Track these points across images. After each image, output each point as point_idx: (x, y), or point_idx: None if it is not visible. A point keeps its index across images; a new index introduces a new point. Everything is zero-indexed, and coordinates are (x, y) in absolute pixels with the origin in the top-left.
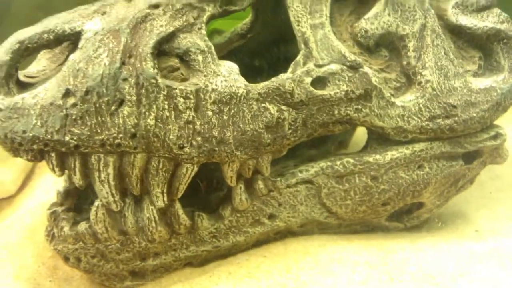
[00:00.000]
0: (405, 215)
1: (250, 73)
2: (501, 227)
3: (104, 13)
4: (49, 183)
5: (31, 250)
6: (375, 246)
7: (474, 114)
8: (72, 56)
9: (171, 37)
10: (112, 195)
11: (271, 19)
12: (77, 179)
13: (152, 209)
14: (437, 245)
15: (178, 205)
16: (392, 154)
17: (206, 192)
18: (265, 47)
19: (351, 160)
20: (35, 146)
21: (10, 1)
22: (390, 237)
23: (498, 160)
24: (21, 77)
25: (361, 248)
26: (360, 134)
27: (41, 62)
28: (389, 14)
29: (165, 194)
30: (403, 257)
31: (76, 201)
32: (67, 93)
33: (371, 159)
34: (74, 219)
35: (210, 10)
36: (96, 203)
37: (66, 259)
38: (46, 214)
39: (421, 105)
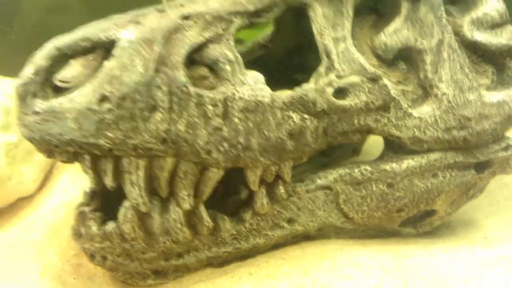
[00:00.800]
0: (418, 222)
1: (269, 81)
2: (509, 234)
3: (138, 22)
4: (67, 183)
5: (55, 248)
6: (389, 251)
7: (487, 126)
8: (107, 64)
9: (201, 47)
10: (142, 196)
11: (290, 30)
12: (109, 181)
13: (178, 211)
14: (448, 251)
15: (202, 208)
16: (408, 162)
17: (222, 196)
18: (284, 56)
19: (369, 168)
20: (70, 149)
21: (19, 3)
22: (403, 243)
23: (507, 170)
24: (56, 82)
25: (375, 253)
26: (371, 141)
27: (74, 67)
28: (408, 29)
29: (191, 197)
30: (416, 262)
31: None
32: (102, 99)
33: (387, 167)
34: (102, 219)
35: (237, 22)
36: (126, 204)
37: (92, 257)
38: (74, 214)
39: (437, 117)
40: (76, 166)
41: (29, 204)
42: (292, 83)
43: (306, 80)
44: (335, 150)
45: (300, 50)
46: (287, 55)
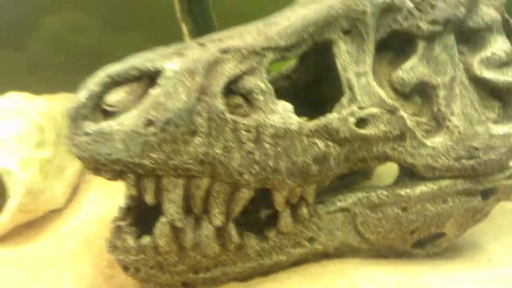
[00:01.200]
0: (428, 243)
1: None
2: (511, 257)
3: (181, 54)
4: (94, 198)
5: (88, 260)
6: (402, 270)
7: (494, 157)
8: (153, 91)
9: (237, 78)
10: (178, 213)
11: (312, 64)
12: (150, 198)
13: (210, 228)
14: (456, 271)
15: (232, 225)
16: (421, 188)
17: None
18: (304, 87)
19: (385, 192)
20: (116, 167)
21: (37, 22)
22: (415, 263)
23: (511, 197)
24: (104, 106)
25: (389, 271)
26: (382, 167)
27: (120, 93)
28: (423, 66)
29: (223, 215)
30: (426, 281)
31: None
32: (148, 123)
33: (402, 192)
34: (137, 233)
35: (270, 56)
36: (163, 219)
37: (126, 268)
38: (110, 228)
39: (448, 147)
40: (101, 182)
41: (59, 217)
42: (312, 113)
43: (329, 110)
44: (349, 175)
45: (320, 82)
46: (308, 87)
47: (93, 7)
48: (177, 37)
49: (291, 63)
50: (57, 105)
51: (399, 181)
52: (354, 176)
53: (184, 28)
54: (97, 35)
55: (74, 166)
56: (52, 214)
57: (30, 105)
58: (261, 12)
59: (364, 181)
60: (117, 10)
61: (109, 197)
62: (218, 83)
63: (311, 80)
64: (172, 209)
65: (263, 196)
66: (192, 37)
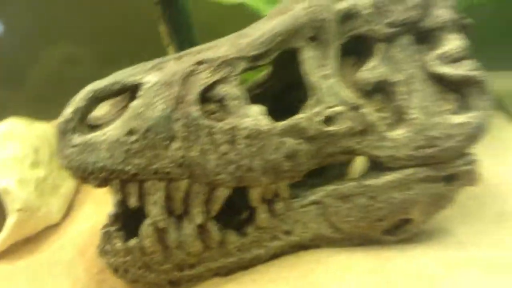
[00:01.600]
0: (397, 230)
1: (270, 113)
2: (480, 239)
3: (159, 68)
4: (88, 212)
5: (82, 266)
6: (373, 256)
7: (452, 144)
8: (134, 103)
9: (212, 86)
10: (161, 214)
11: (286, 70)
12: (133, 201)
13: (191, 226)
14: (426, 254)
15: (212, 223)
16: (386, 178)
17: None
18: (281, 91)
19: (353, 184)
20: (103, 174)
21: (37, 55)
22: (386, 249)
23: (473, 182)
24: (90, 119)
25: (362, 258)
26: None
27: (104, 107)
28: (383, 66)
29: (202, 214)
30: (397, 263)
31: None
32: (130, 132)
33: (369, 182)
34: (124, 237)
35: (242, 65)
36: (148, 221)
37: (115, 271)
38: (100, 234)
39: (409, 138)
40: (95, 198)
41: (55, 231)
42: (288, 116)
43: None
44: (325, 173)
45: (293, 87)
46: (282, 92)
47: (87, 39)
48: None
49: (266, 71)
50: (52, 128)
51: (366, 173)
52: (329, 175)
53: (171, 50)
54: (91, 66)
55: (68, 184)
56: (49, 229)
57: (27, 128)
58: None
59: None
60: (110, 41)
61: (102, 210)
62: (194, 92)
63: (284, 86)
64: (155, 210)
65: (243, 199)
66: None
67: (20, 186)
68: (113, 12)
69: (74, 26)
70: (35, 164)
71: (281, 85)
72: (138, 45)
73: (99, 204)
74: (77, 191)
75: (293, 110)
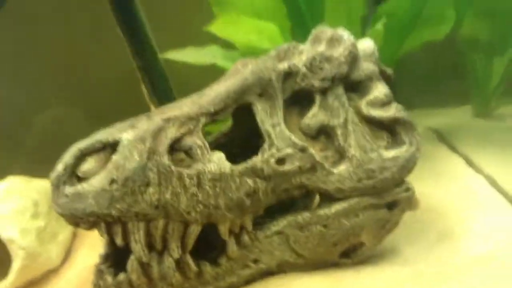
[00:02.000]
0: (351, 253)
1: (232, 158)
2: (423, 257)
3: (133, 126)
4: (86, 255)
5: None
6: (331, 277)
7: (388, 175)
8: (114, 157)
9: (179, 139)
10: (143, 250)
11: (246, 120)
12: (119, 241)
13: (170, 260)
14: (375, 271)
15: (188, 257)
16: (336, 208)
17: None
18: (241, 141)
19: (309, 214)
20: (91, 219)
21: (31, 118)
22: (342, 270)
23: (413, 207)
24: (78, 173)
25: (322, 279)
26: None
27: (90, 162)
28: (322, 113)
29: (179, 248)
30: (351, 282)
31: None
32: (112, 181)
33: (322, 213)
34: (114, 273)
35: (203, 119)
36: (132, 257)
37: None
38: (94, 271)
39: (351, 172)
40: (90, 242)
41: (55, 274)
42: None
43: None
44: (293, 207)
45: (252, 135)
46: (243, 140)
47: (77, 100)
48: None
49: (228, 124)
50: (48, 183)
51: (319, 204)
52: (296, 207)
53: (152, 108)
54: (82, 125)
55: (65, 232)
56: (49, 273)
57: (26, 185)
58: None
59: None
60: (98, 101)
61: (97, 252)
62: (164, 144)
63: (248, 133)
64: (138, 247)
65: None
66: None
67: (23, 236)
68: (99, 75)
69: (63, 89)
70: (35, 216)
71: (245, 133)
72: (124, 103)
73: (94, 248)
74: (74, 237)
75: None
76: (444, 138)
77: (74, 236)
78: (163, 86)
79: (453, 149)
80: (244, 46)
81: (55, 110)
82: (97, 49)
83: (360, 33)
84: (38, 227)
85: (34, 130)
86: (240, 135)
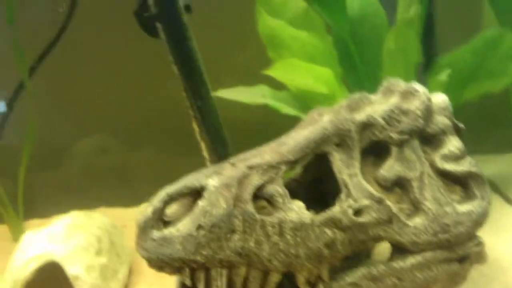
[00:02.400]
0: None
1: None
2: None
3: (219, 173)
4: None
5: None
6: None
7: (462, 230)
8: (201, 203)
9: (261, 187)
10: None
11: (313, 168)
12: (201, 287)
13: None
14: None
15: None
16: (410, 261)
17: None
18: (308, 186)
19: (383, 267)
20: (176, 264)
21: (70, 147)
22: None
23: (482, 261)
24: (164, 218)
25: None
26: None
27: (173, 206)
28: (398, 166)
29: None
30: None
31: None
32: (199, 227)
33: (397, 266)
34: None
35: (283, 168)
36: None
37: None
38: None
39: (426, 226)
40: (146, 280)
41: None
42: (315, 204)
43: (330, 203)
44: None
45: (319, 181)
46: (310, 185)
47: (116, 128)
48: (191, 150)
49: (298, 170)
50: (108, 220)
51: (393, 256)
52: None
53: (203, 145)
54: (120, 155)
55: (124, 269)
56: None
57: (89, 220)
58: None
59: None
60: (136, 129)
61: None
62: (248, 192)
63: (312, 180)
64: None
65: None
66: (209, 152)
67: (88, 273)
68: (150, 111)
69: (106, 117)
70: (98, 252)
71: (309, 180)
72: (174, 139)
73: (151, 285)
74: (130, 274)
75: (320, 200)
76: (496, 187)
77: (130, 273)
78: (215, 125)
79: (508, 200)
80: (300, 90)
81: (94, 138)
82: (150, 84)
83: (415, 81)
84: (101, 264)
85: (72, 159)
86: (307, 180)
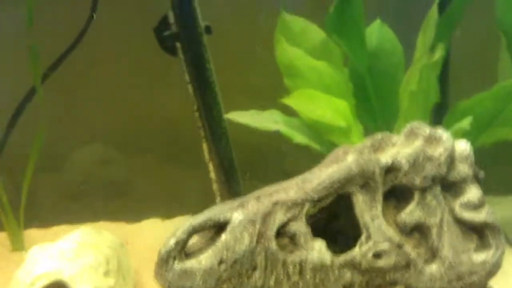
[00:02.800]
0: None
1: None
2: None
3: (243, 206)
4: None
5: None
6: None
7: (476, 279)
8: (224, 236)
9: (285, 224)
10: None
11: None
12: None
13: None
14: None
15: None
16: None
17: None
18: (324, 223)
19: None
20: None
21: (71, 156)
22: None
23: None
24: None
25: None
26: None
27: (193, 238)
28: (419, 211)
29: None
30: None
31: None
32: (221, 262)
33: None
34: None
35: (307, 206)
36: None
37: None
38: None
39: (442, 273)
40: None
41: None
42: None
43: (345, 242)
44: None
45: (335, 218)
46: (325, 222)
47: (118, 138)
48: (193, 158)
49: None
50: (117, 240)
51: None
52: None
53: (211, 166)
54: (122, 167)
55: None
56: None
57: (98, 238)
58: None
59: None
60: (138, 140)
61: None
62: (272, 229)
63: (327, 217)
64: None
65: None
66: (216, 174)
67: None
68: (150, 117)
69: (109, 128)
70: (107, 273)
71: (324, 217)
72: (182, 157)
73: None
74: None
75: (331, 238)
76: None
77: None
78: (225, 147)
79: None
80: (314, 121)
81: (96, 148)
82: (155, 97)
83: (431, 122)
84: (109, 285)
85: (72, 168)
86: (323, 217)
